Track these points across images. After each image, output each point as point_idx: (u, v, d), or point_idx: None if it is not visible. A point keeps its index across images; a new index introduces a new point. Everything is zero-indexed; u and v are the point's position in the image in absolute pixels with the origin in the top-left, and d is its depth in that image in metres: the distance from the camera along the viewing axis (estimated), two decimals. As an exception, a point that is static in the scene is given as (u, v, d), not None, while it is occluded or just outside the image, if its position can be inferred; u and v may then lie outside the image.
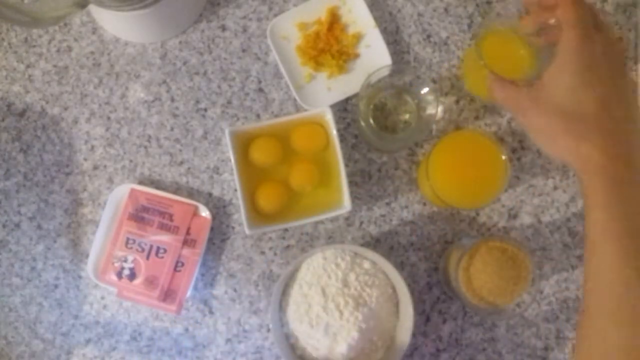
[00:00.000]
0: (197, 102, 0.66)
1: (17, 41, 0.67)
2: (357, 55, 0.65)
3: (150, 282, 0.62)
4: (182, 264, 0.62)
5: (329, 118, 0.60)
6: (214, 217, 0.64)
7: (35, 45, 0.67)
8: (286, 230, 0.64)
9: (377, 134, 0.61)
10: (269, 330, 0.63)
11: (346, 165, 0.61)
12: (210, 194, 0.65)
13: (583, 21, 0.46)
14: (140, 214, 0.63)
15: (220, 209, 0.65)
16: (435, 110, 0.58)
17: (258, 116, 0.66)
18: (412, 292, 0.57)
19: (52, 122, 0.67)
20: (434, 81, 0.65)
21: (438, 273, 0.63)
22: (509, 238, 0.56)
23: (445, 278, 0.60)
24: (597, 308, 0.45)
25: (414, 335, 0.56)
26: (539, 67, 0.56)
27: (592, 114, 0.45)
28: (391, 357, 0.57)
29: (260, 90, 0.66)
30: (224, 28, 0.67)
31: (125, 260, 0.62)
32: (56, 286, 0.65)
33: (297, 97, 0.63)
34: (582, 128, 0.45)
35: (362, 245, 0.63)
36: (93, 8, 0.64)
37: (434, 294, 0.63)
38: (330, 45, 0.64)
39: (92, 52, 0.67)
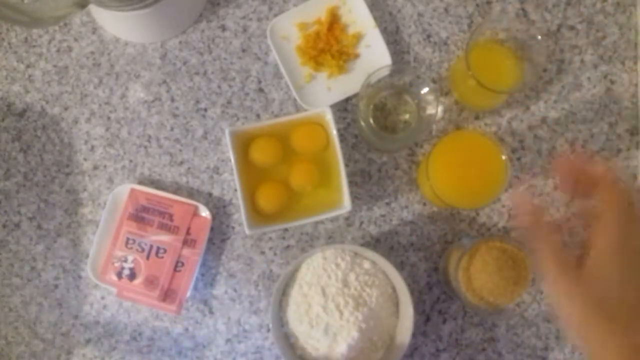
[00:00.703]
0: (197, 102, 0.66)
1: (17, 41, 0.68)
2: (357, 55, 0.65)
3: (150, 282, 0.62)
4: (182, 264, 0.62)
5: (329, 118, 0.60)
6: (214, 217, 0.64)
7: (35, 45, 0.67)
8: (286, 230, 0.64)
9: (377, 134, 0.61)
10: (269, 330, 0.63)
11: (346, 165, 0.61)
12: (210, 194, 0.65)
13: (625, 214, 0.44)
14: (140, 214, 0.63)
15: (220, 209, 0.65)
16: (435, 110, 0.58)
17: (258, 116, 0.66)
18: (412, 292, 0.57)
19: (52, 122, 0.67)
20: (434, 81, 0.65)
21: (438, 273, 0.63)
22: (509, 238, 0.56)
23: (445, 278, 0.60)
24: None
25: (414, 335, 0.56)
26: (525, 78, 0.57)
27: (633, 304, 0.43)
28: (391, 357, 0.57)
29: (260, 90, 0.66)
30: (224, 28, 0.67)
31: (125, 260, 0.62)
32: (56, 286, 0.65)
33: (297, 97, 0.63)
34: (621, 314, 0.43)
35: (362, 245, 0.63)
36: (93, 8, 0.64)
37: (434, 294, 0.63)
38: (330, 45, 0.64)
39: (92, 52, 0.67)
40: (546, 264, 0.45)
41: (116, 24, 0.65)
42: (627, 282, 0.43)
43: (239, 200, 0.59)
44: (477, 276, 0.54)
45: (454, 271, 0.55)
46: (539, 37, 0.56)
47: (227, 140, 0.60)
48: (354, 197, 0.63)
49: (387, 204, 0.64)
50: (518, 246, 0.54)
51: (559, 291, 0.44)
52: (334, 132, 0.60)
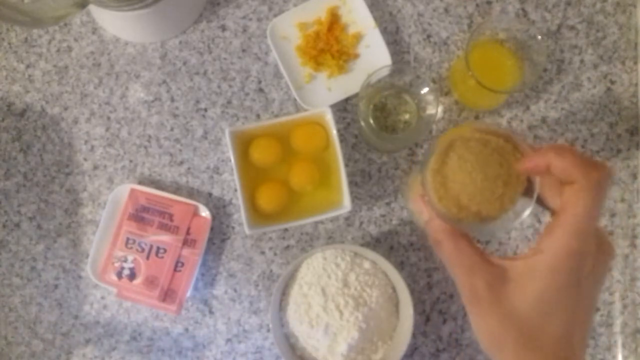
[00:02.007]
0: (197, 102, 0.66)
1: (17, 41, 0.68)
2: (357, 55, 0.65)
3: (150, 282, 0.62)
4: (182, 264, 0.62)
5: (329, 118, 0.60)
6: (214, 217, 0.64)
7: (35, 45, 0.67)
8: (286, 230, 0.64)
9: (377, 134, 0.61)
10: (269, 330, 0.63)
11: (346, 165, 0.61)
12: (210, 194, 0.65)
13: (589, 221, 0.35)
14: (140, 214, 0.63)
15: (220, 209, 0.65)
16: (435, 110, 0.58)
17: (258, 116, 0.66)
18: (412, 292, 0.57)
19: (52, 122, 0.67)
20: (434, 81, 0.65)
21: (438, 272, 0.63)
22: (491, 125, 0.41)
23: (405, 202, 0.47)
24: None
25: (414, 335, 0.56)
26: (525, 78, 0.57)
27: (553, 335, 0.36)
28: (391, 357, 0.57)
29: (260, 90, 0.66)
30: (224, 28, 0.67)
31: (125, 260, 0.62)
32: (56, 286, 0.65)
33: (297, 97, 0.63)
34: (536, 345, 0.36)
35: (362, 245, 0.63)
36: (93, 8, 0.64)
37: (434, 294, 0.63)
38: (330, 45, 0.64)
39: (92, 52, 0.67)
40: (456, 282, 0.38)
41: (116, 24, 0.65)
42: (563, 304, 0.35)
43: (239, 200, 0.59)
44: (453, 178, 0.39)
45: (421, 176, 0.40)
46: (539, 37, 0.56)
47: (227, 140, 0.60)
48: (354, 197, 0.63)
49: (387, 204, 0.64)
50: (506, 135, 0.39)
51: (471, 312, 0.37)
52: (334, 132, 0.60)
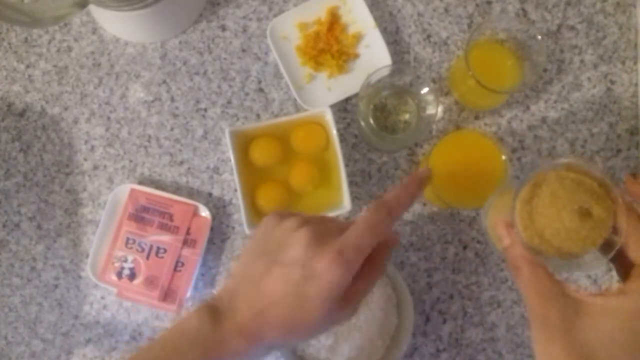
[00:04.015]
0: (197, 102, 0.66)
1: (17, 41, 0.68)
2: (357, 55, 0.65)
3: (150, 282, 0.62)
4: (182, 264, 0.62)
5: (329, 118, 0.60)
6: (214, 217, 0.64)
7: (35, 45, 0.67)
8: (286, 230, 0.64)
9: (377, 134, 0.61)
10: (269, 330, 0.63)
11: (346, 165, 0.61)
12: (210, 194, 0.65)
13: None
14: (140, 214, 0.63)
15: (220, 209, 0.65)
16: (435, 110, 0.58)
17: (258, 116, 0.66)
18: (412, 292, 0.56)
19: (52, 122, 0.67)
20: (434, 81, 0.65)
21: (438, 272, 0.63)
22: (588, 166, 0.40)
23: (485, 226, 0.48)
24: None
25: (414, 335, 0.56)
26: (525, 78, 0.57)
27: None
28: (391, 357, 0.57)
29: (260, 90, 0.66)
30: (224, 28, 0.67)
31: (125, 260, 0.62)
32: (56, 286, 0.65)
33: (297, 97, 0.63)
34: None
35: (362, 245, 0.63)
36: (93, 8, 0.64)
37: (434, 294, 0.63)
38: (330, 45, 0.64)
39: (92, 52, 0.67)
40: (529, 309, 0.38)
41: (116, 24, 0.65)
42: (631, 349, 0.35)
43: (239, 200, 0.59)
44: (541, 212, 0.39)
45: (508, 205, 0.40)
46: (539, 37, 0.56)
47: (227, 140, 0.60)
48: (354, 197, 0.63)
49: (387, 204, 0.64)
50: (600, 179, 0.39)
51: (538, 339, 0.37)
52: (334, 132, 0.60)
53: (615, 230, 0.38)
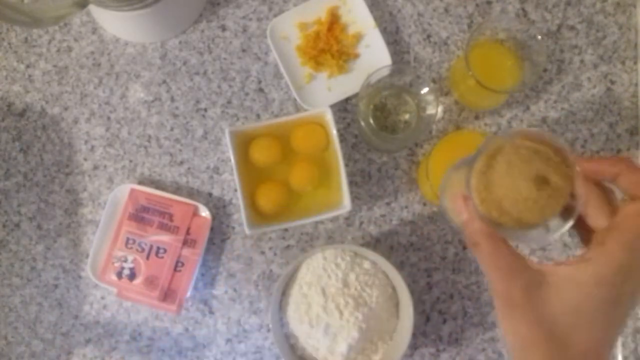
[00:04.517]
0: (197, 102, 0.66)
1: (17, 41, 0.68)
2: (357, 55, 0.65)
3: (150, 282, 0.62)
4: (182, 264, 0.62)
5: (329, 118, 0.60)
6: (214, 217, 0.64)
7: (35, 45, 0.67)
8: (286, 230, 0.64)
9: (377, 134, 0.61)
10: (269, 330, 0.63)
11: (346, 165, 0.61)
12: (210, 194, 0.65)
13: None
14: (140, 214, 0.63)
15: (220, 209, 0.65)
16: (435, 110, 0.58)
17: (258, 116, 0.66)
18: (412, 292, 0.56)
19: (52, 122, 0.67)
20: (434, 81, 0.65)
21: (438, 271, 0.63)
22: (544, 135, 0.39)
23: (441, 202, 0.47)
24: None
25: (414, 335, 0.56)
26: (525, 78, 0.57)
27: (583, 348, 0.35)
28: (391, 357, 0.57)
29: (260, 90, 0.66)
30: (224, 28, 0.67)
31: (125, 260, 0.62)
32: (56, 286, 0.65)
33: (297, 97, 0.63)
34: (564, 356, 0.35)
35: (362, 245, 0.63)
36: (93, 8, 0.64)
37: (434, 294, 0.63)
38: (330, 45, 0.64)
39: (92, 52, 0.67)
40: (491, 284, 0.37)
41: (116, 24, 0.65)
42: (596, 322, 0.35)
43: (239, 200, 0.59)
44: (498, 182, 0.38)
45: (466, 176, 0.39)
46: (539, 37, 0.56)
47: (227, 140, 0.60)
48: (354, 197, 0.63)
49: (387, 204, 0.64)
50: (556, 147, 0.38)
51: (503, 316, 0.36)
52: (334, 132, 0.60)
53: (573, 197, 0.37)
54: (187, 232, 0.62)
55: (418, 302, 0.62)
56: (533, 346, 0.35)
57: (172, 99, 0.66)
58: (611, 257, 0.34)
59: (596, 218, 0.37)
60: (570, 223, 0.37)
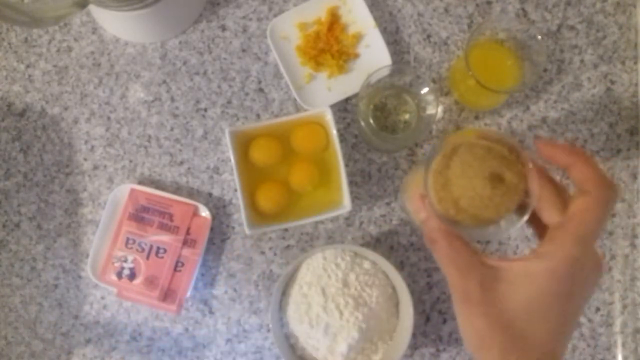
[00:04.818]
0: (197, 102, 0.66)
1: (17, 41, 0.68)
2: (357, 55, 0.65)
3: (150, 282, 0.62)
4: (182, 264, 0.62)
5: (329, 118, 0.60)
6: (214, 217, 0.64)
7: (35, 45, 0.67)
8: (286, 230, 0.64)
9: (377, 134, 0.61)
10: (269, 330, 0.63)
11: (346, 165, 0.61)
12: (210, 194, 0.65)
13: (594, 233, 0.36)
14: (140, 214, 0.63)
15: (220, 209, 0.65)
16: (435, 110, 0.58)
17: (258, 116, 0.66)
18: (412, 292, 0.56)
19: (52, 122, 0.67)
20: (434, 81, 0.65)
21: (438, 272, 0.63)
22: (496, 133, 0.41)
23: (402, 203, 0.48)
24: None
25: (414, 335, 0.56)
26: (525, 78, 0.57)
27: (539, 342, 0.36)
28: (391, 357, 0.57)
29: (260, 90, 0.66)
30: (224, 28, 0.67)
31: (125, 260, 0.62)
32: (56, 286, 0.65)
33: (297, 97, 0.63)
34: (521, 349, 0.36)
35: (362, 245, 0.63)
36: (93, 8, 0.64)
37: (434, 294, 0.63)
38: (330, 45, 0.64)
39: (92, 52, 0.67)
40: (449, 281, 0.37)
41: (116, 24, 0.65)
42: (552, 314, 0.36)
43: (239, 200, 0.59)
44: (454, 182, 0.39)
45: (423, 176, 0.40)
46: (539, 37, 0.56)
47: (227, 140, 0.60)
48: (354, 197, 0.63)
49: (387, 204, 0.64)
50: (510, 145, 0.39)
51: (460, 312, 0.37)
52: (334, 132, 0.60)
53: (527, 194, 0.38)
54: (187, 232, 0.62)
55: (418, 302, 0.62)
56: (489, 339, 0.36)
57: (172, 99, 0.66)
58: (563, 251, 0.35)
59: (549, 214, 0.38)
60: (524, 219, 0.38)
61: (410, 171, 0.45)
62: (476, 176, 0.38)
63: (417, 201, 0.40)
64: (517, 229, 0.38)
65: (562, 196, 0.38)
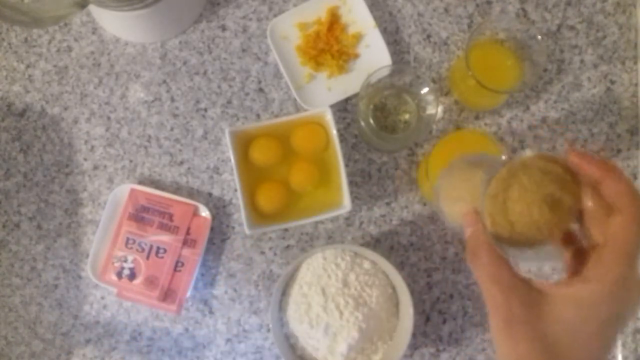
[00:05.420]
0: (197, 102, 0.66)
1: (17, 41, 0.68)
2: (357, 55, 0.65)
3: (150, 282, 0.62)
4: (182, 264, 0.62)
5: (329, 118, 0.60)
6: (214, 217, 0.64)
7: (35, 45, 0.67)
8: (286, 230, 0.64)
9: (377, 134, 0.61)
10: (269, 330, 0.63)
11: (346, 165, 0.61)
12: (210, 194, 0.65)
13: (638, 250, 0.35)
14: (140, 214, 0.63)
15: (220, 209, 0.65)
16: (435, 110, 0.58)
17: (258, 116, 0.66)
18: (412, 292, 0.56)
19: (52, 122, 0.67)
20: (434, 81, 0.65)
21: (437, 272, 0.63)
22: (551, 154, 0.40)
23: (436, 205, 0.47)
24: None
25: (414, 335, 0.56)
26: (525, 78, 0.57)
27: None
28: (391, 357, 0.57)
29: (260, 90, 0.66)
30: (224, 28, 0.67)
31: (125, 260, 0.62)
32: (56, 286, 0.65)
33: (297, 97, 0.63)
34: None
35: (362, 245, 0.63)
36: (93, 8, 0.64)
37: (434, 294, 0.63)
38: (330, 45, 0.64)
39: (92, 52, 0.67)
40: (489, 298, 0.36)
41: (116, 24, 0.65)
42: (595, 337, 0.34)
43: (239, 200, 0.59)
44: (511, 206, 0.38)
45: (459, 185, 0.41)
46: (539, 37, 0.56)
47: (227, 140, 0.60)
48: (354, 197, 0.63)
49: (387, 204, 0.64)
50: (565, 164, 0.38)
51: (500, 331, 0.36)
52: (334, 132, 0.60)
53: (580, 215, 0.38)
54: (187, 232, 0.62)
55: (418, 302, 0.62)
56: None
57: (172, 99, 0.66)
58: (612, 273, 0.34)
59: (599, 231, 0.37)
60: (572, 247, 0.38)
61: (445, 172, 0.46)
62: (533, 202, 0.38)
63: (469, 216, 0.40)
64: (562, 253, 0.39)
65: (609, 214, 0.37)
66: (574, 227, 0.38)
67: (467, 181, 0.42)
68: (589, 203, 0.37)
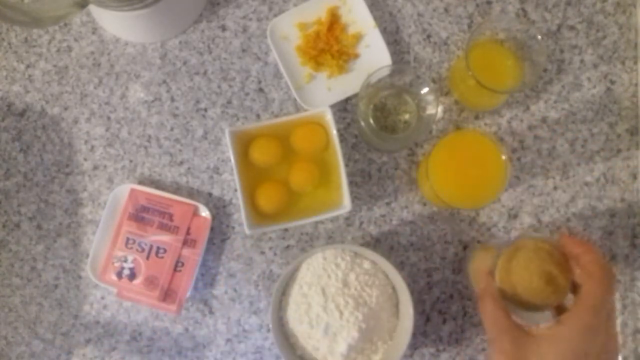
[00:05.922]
0: (197, 102, 0.66)
1: (17, 41, 0.68)
2: (357, 55, 0.65)
3: (150, 282, 0.62)
4: (182, 264, 0.62)
5: (329, 118, 0.60)
6: (214, 217, 0.64)
7: (35, 45, 0.67)
8: (286, 230, 0.64)
9: (377, 134, 0.61)
10: (269, 330, 0.63)
11: (346, 165, 0.61)
12: (210, 194, 0.65)
13: (602, 305, 0.46)
14: (140, 214, 0.63)
15: (220, 209, 0.65)
16: (435, 110, 0.58)
17: (258, 116, 0.66)
18: (412, 292, 0.56)
19: (52, 122, 0.67)
20: (434, 81, 0.65)
21: (438, 272, 0.63)
22: (558, 244, 0.51)
23: (467, 275, 0.63)
24: None
25: (414, 335, 0.56)
26: (525, 78, 0.58)
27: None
28: (391, 357, 0.57)
29: (260, 90, 0.66)
30: (224, 28, 0.67)
31: (125, 260, 0.62)
32: (56, 286, 0.65)
33: (297, 97, 0.63)
34: None
35: (362, 245, 0.63)
36: (93, 8, 0.64)
37: (434, 294, 0.63)
38: (330, 45, 0.64)
39: (92, 52, 0.67)
40: (488, 335, 0.48)
41: (116, 24, 0.65)
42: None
43: (239, 200, 0.59)
44: (517, 272, 0.49)
45: (488, 259, 0.52)
46: (539, 37, 0.56)
47: (227, 140, 0.60)
48: (354, 197, 0.63)
49: (387, 204, 0.64)
50: (563, 254, 0.50)
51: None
52: (334, 132, 0.60)
53: (573, 290, 0.49)
54: (187, 232, 0.62)
55: (418, 302, 0.62)
56: None
57: (172, 99, 0.66)
58: (580, 320, 0.45)
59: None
60: (551, 317, 0.51)
61: (478, 250, 0.61)
62: (535, 273, 0.48)
63: (483, 275, 0.51)
64: (549, 319, 0.50)
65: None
66: (568, 299, 0.49)
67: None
68: (580, 281, 0.47)
